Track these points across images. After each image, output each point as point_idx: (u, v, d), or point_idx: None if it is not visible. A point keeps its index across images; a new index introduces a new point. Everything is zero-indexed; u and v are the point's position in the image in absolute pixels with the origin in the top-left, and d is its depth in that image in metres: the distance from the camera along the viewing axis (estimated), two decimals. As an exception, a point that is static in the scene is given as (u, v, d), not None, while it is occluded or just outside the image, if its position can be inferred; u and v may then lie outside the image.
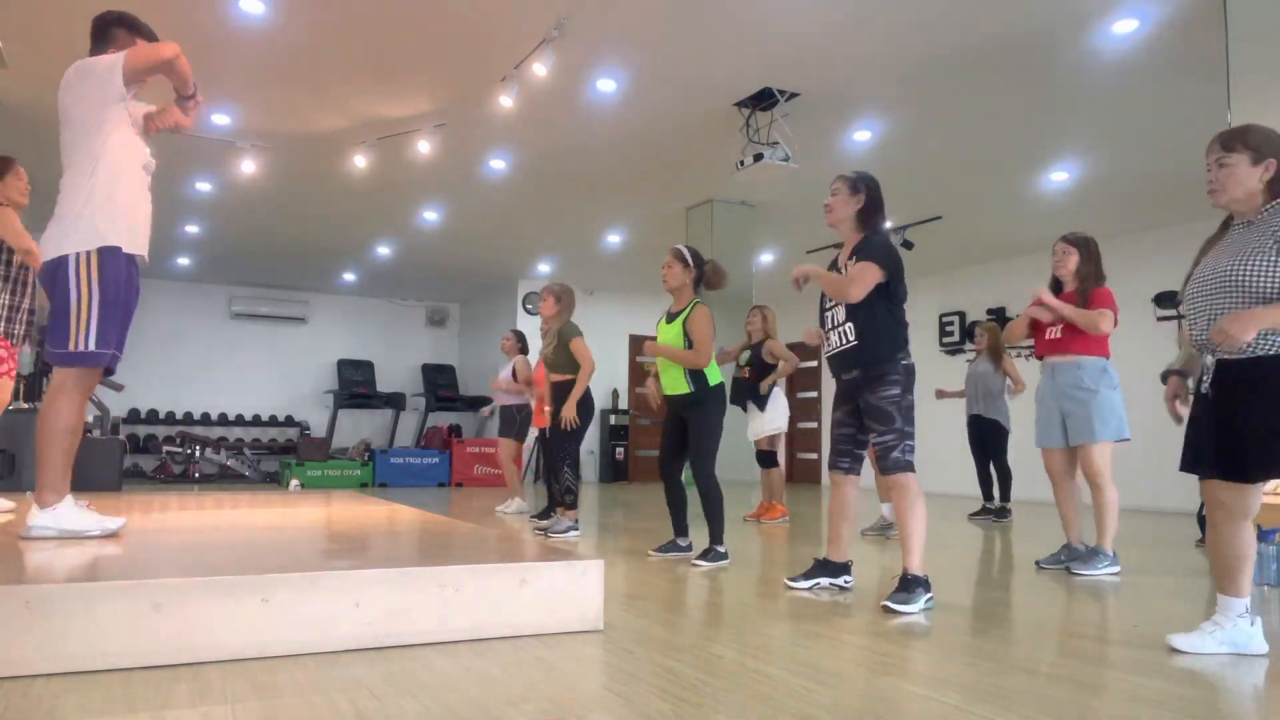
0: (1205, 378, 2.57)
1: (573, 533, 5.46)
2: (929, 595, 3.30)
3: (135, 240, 3.11)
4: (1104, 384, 4.21)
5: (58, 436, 3.01)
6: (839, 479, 3.58)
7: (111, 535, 3.17)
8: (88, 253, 2.97)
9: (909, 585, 3.27)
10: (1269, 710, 2.11)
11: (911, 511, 3.33)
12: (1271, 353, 2.44)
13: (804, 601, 3.39)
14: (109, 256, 3.01)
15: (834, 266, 3.62)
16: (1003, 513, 7.20)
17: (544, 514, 6.45)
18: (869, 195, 3.52)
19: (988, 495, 7.42)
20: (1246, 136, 2.56)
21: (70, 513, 3.09)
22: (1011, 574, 4.29)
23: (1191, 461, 2.63)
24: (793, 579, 3.66)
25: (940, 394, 7.72)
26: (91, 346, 2.97)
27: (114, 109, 3.06)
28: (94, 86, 3.05)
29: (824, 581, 3.63)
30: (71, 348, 2.96)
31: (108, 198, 3.03)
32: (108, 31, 3.25)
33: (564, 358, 5.62)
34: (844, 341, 3.46)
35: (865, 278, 3.36)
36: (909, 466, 3.34)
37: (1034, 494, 8.83)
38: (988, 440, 7.22)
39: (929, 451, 11.31)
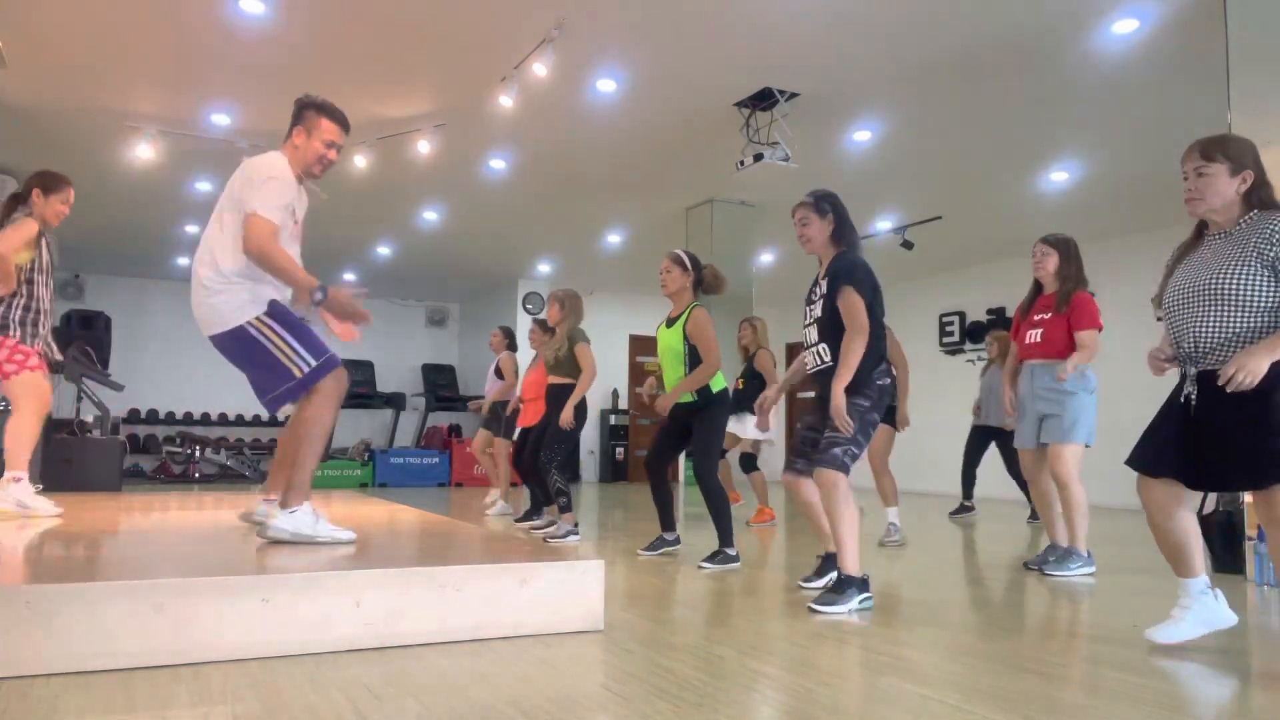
0: (1189, 387, 2.56)
1: (573, 537, 5.43)
2: (864, 595, 3.26)
3: (281, 292, 3.29)
4: (1082, 388, 4.21)
5: (320, 441, 3.11)
6: (793, 482, 3.56)
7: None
8: (258, 317, 3.14)
9: (841, 586, 3.25)
10: (1270, 711, 2.11)
11: (841, 513, 3.26)
12: None
13: (803, 601, 3.39)
14: (273, 306, 3.19)
15: (815, 283, 3.57)
16: (1036, 515, 7.25)
17: (528, 516, 6.40)
18: (836, 214, 3.48)
19: (968, 494, 7.55)
20: (1226, 146, 2.58)
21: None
22: (1009, 575, 4.29)
23: (1145, 460, 2.62)
24: (806, 579, 3.64)
25: (977, 411, 7.76)
26: (312, 362, 3.11)
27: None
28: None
29: (836, 574, 3.61)
30: (299, 374, 3.09)
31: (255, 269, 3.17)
32: (300, 114, 3.49)
33: (568, 361, 5.61)
34: (819, 362, 3.44)
35: (856, 312, 3.31)
36: (844, 469, 3.27)
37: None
38: (1004, 450, 7.31)
39: (926, 452, 11.31)
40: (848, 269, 3.37)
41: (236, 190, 3.16)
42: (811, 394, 3.73)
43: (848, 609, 3.18)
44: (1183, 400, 2.58)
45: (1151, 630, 2.68)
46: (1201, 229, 2.71)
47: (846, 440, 3.29)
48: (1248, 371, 2.35)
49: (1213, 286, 2.52)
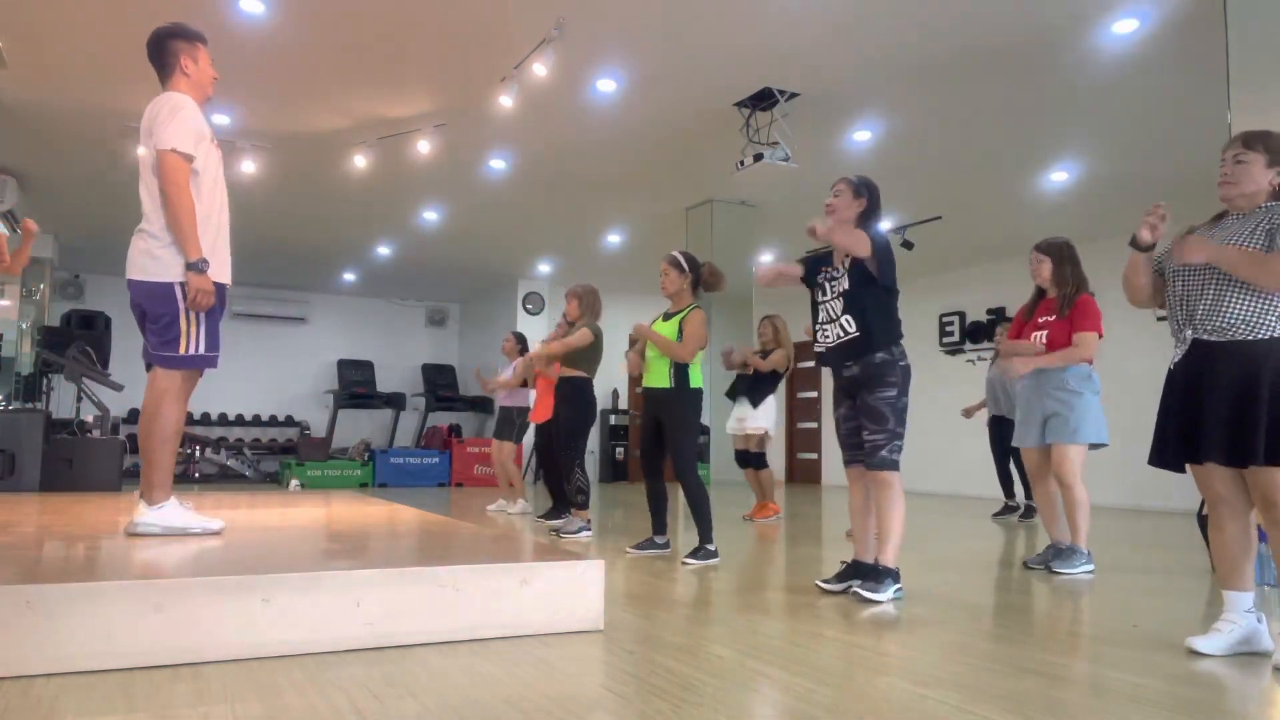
0: (1178, 349, 2.62)
1: (585, 533, 5.47)
2: (898, 586, 3.45)
3: (223, 270, 3.37)
4: (1087, 388, 4.25)
5: (171, 438, 3.25)
6: (856, 474, 3.64)
7: None
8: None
9: (879, 575, 3.43)
10: (1270, 710, 2.11)
11: (893, 508, 3.46)
12: (1253, 337, 2.50)
13: (803, 601, 3.39)
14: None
15: (827, 262, 3.67)
16: (1029, 512, 7.24)
17: (551, 514, 6.44)
18: (871, 198, 3.63)
19: (1009, 493, 7.48)
20: (1268, 139, 2.66)
21: None
22: (1009, 574, 4.29)
23: (1163, 453, 2.64)
24: (826, 581, 3.65)
25: (968, 412, 7.79)
26: (203, 351, 3.29)
27: (199, 150, 3.32)
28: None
29: (857, 584, 3.59)
30: (182, 352, 3.23)
31: (202, 232, 3.24)
32: (169, 45, 3.41)
33: (579, 353, 5.65)
34: (844, 333, 3.52)
35: (858, 235, 3.43)
36: (894, 466, 3.47)
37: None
38: (1009, 440, 7.28)
39: (926, 452, 11.31)
40: (881, 238, 3.52)
41: (149, 135, 3.25)
42: (812, 394, 3.77)
43: (886, 597, 3.38)
44: (1172, 367, 2.63)
45: (1194, 639, 2.65)
46: (1221, 217, 2.76)
47: (887, 438, 3.45)
48: (1185, 249, 2.52)
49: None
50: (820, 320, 3.65)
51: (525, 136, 7.09)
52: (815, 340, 3.70)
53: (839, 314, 3.54)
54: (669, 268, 4.68)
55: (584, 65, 5.80)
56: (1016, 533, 6.39)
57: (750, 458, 6.87)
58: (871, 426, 3.46)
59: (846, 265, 3.55)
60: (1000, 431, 7.32)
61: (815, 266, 3.72)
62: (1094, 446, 4.29)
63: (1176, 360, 2.64)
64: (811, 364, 13.36)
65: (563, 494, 6.26)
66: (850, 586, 3.57)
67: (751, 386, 6.76)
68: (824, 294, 3.64)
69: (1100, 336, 4.25)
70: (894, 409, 3.45)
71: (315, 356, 13.69)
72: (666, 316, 4.71)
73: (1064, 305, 4.29)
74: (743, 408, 6.79)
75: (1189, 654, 2.61)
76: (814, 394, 13.53)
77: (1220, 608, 2.68)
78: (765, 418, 6.73)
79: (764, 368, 6.68)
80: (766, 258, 10.96)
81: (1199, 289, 2.61)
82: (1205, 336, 2.57)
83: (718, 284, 4.73)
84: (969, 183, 8.09)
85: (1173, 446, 2.62)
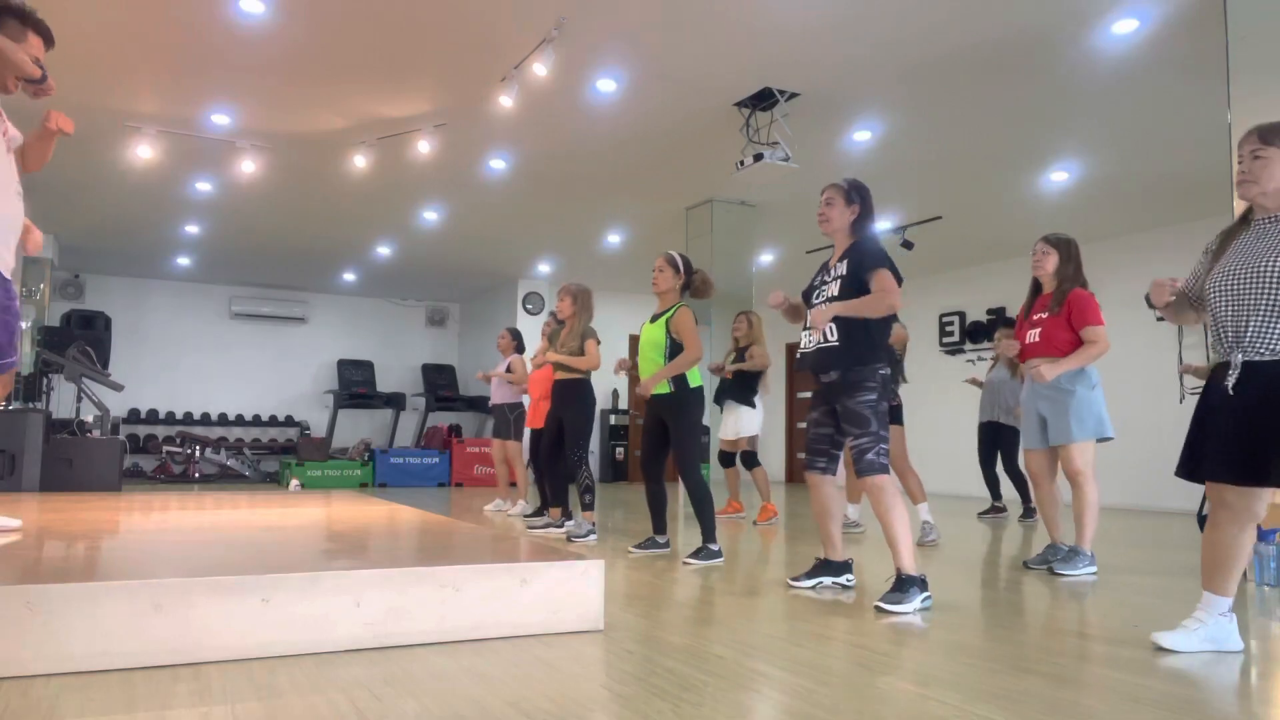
0: (1231, 375, 2.51)
1: (592, 536, 5.41)
2: (925, 594, 3.28)
3: (5, 260, 2.98)
4: (1080, 384, 4.21)
5: None
6: (816, 480, 3.61)
7: None
8: None
9: (903, 585, 3.27)
10: (1271, 710, 2.11)
11: (892, 512, 3.33)
12: None
13: (804, 601, 3.39)
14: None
15: (824, 268, 3.65)
16: (1029, 512, 7.27)
17: (535, 514, 6.43)
18: (863, 203, 3.59)
19: (996, 495, 7.53)
20: None
21: None
22: (1009, 574, 4.29)
23: (1190, 466, 2.60)
24: (795, 579, 3.68)
25: (976, 382, 7.94)
26: None
27: None
28: None
29: (826, 580, 3.68)
30: None
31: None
32: None
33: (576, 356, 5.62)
34: (825, 340, 3.48)
35: (889, 285, 3.37)
36: (884, 469, 3.36)
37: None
38: (1003, 445, 7.35)
39: (927, 451, 11.31)
40: (880, 255, 3.47)
41: None
42: (809, 394, 3.76)
43: (912, 608, 3.20)
44: (1231, 391, 2.50)
45: (1160, 634, 2.67)
46: (1247, 216, 2.66)
47: (871, 441, 3.36)
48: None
49: (1264, 272, 2.48)
50: (806, 324, 3.63)
51: (525, 136, 7.09)
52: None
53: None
54: (665, 265, 4.69)
55: (584, 65, 5.81)
56: (1016, 533, 6.39)
57: (743, 457, 6.88)
58: (854, 431, 3.39)
59: (839, 271, 3.52)
60: (993, 436, 7.39)
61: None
62: (1099, 440, 4.26)
63: (1229, 383, 2.50)
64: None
65: (553, 496, 6.22)
66: (820, 583, 3.62)
67: (737, 388, 6.77)
68: (815, 297, 3.61)
69: (1102, 325, 4.22)
70: (875, 411, 3.37)
71: (315, 356, 13.70)
72: (653, 319, 4.74)
73: (1056, 301, 4.28)
74: (735, 411, 6.79)
75: (1152, 648, 2.64)
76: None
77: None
78: (748, 423, 6.73)
79: (746, 369, 6.70)
80: (766, 258, 10.96)
81: (1245, 311, 2.50)
82: (1258, 358, 2.48)
83: (707, 293, 4.76)
84: (969, 183, 8.09)
85: (1214, 465, 2.52)
